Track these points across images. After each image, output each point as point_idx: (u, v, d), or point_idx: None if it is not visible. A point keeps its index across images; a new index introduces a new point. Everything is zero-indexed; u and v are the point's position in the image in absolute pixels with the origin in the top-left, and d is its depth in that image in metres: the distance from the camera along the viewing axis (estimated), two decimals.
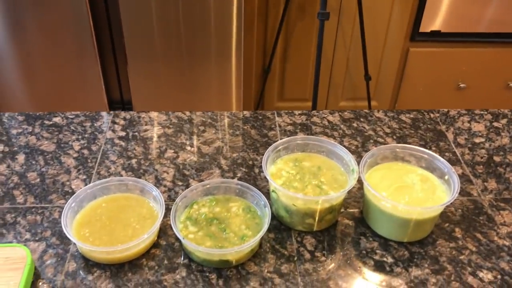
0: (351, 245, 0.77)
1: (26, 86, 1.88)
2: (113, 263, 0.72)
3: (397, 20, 2.03)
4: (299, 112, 1.06)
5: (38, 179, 0.86)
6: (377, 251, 0.76)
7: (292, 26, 2.05)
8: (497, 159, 0.95)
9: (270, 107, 2.28)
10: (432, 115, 1.06)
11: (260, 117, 1.04)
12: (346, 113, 1.06)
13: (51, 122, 1.00)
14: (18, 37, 1.75)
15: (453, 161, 0.94)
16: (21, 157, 0.91)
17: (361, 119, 1.04)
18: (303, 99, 2.25)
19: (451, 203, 0.74)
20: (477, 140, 1.00)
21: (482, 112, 1.08)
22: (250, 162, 0.92)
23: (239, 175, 0.89)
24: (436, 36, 2.06)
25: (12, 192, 0.84)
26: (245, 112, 1.06)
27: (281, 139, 0.87)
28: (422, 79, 2.18)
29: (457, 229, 0.80)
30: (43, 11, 1.70)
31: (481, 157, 0.95)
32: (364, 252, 0.76)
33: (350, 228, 0.80)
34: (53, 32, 1.75)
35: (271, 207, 0.78)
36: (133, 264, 0.72)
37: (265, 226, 0.72)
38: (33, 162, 0.90)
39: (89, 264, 0.72)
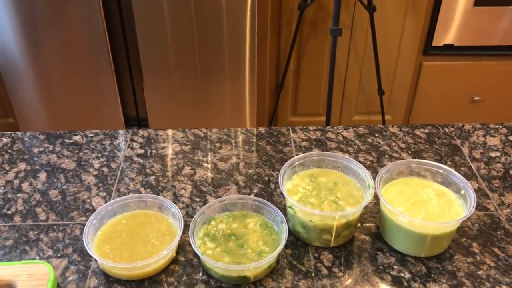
0: (368, 260, 0.77)
1: (43, 103, 1.92)
2: (133, 279, 0.73)
3: (409, 34, 2.04)
4: (314, 128, 1.07)
5: (60, 197, 0.88)
6: (394, 266, 0.76)
7: (305, 42, 2.07)
8: None
9: (284, 122, 2.29)
10: (447, 130, 1.07)
11: (275, 133, 1.05)
12: (360, 128, 1.07)
13: (71, 141, 1.02)
14: (36, 55, 1.79)
15: (469, 176, 0.94)
16: (42, 175, 0.93)
17: (376, 135, 1.05)
18: (316, 113, 2.26)
19: (467, 218, 0.74)
20: (492, 154, 1.00)
21: (497, 126, 1.08)
22: (266, 178, 0.93)
23: (255, 191, 0.90)
24: (449, 50, 2.06)
25: (35, 210, 0.86)
26: (260, 129, 1.07)
27: (296, 155, 0.88)
28: (436, 93, 2.18)
29: (474, 244, 0.80)
30: (60, 30, 1.74)
31: (497, 171, 0.95)
32: (381, 267, 0.76)
33: (367, 243, 0.80)
34: (70, 50, 1.79)
35: (287, 223, 0.79)
36: (152, 280, 0.73)
37: (283, 242, 0.72)
38: (55, 180, 0.92)
39: (110, 280, 0.73)
